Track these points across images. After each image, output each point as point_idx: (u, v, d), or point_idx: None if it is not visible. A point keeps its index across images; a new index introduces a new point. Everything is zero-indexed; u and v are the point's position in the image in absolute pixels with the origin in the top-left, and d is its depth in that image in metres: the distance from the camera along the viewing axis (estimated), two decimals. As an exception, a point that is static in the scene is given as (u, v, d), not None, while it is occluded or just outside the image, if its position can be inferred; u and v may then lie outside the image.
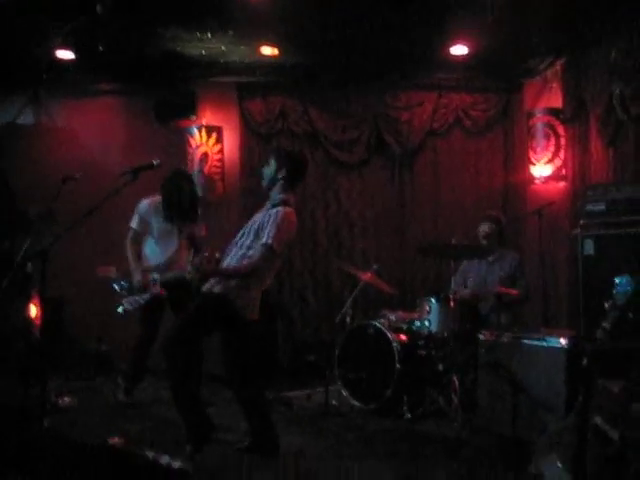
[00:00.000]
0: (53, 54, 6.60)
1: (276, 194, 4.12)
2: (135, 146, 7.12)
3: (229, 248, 4.19)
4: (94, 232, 6.02)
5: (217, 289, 4.03)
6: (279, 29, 6.17)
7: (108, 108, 7.47)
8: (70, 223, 3.93)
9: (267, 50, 6.72)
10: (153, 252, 5.48)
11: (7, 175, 7.05)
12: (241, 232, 4.15)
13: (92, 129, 7.41)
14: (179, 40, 6.39)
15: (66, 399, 5.38)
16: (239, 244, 4.09)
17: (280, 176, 4.09)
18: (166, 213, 5.44)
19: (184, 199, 5.43)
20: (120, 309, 5.38)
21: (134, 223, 5.52)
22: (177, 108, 7.24)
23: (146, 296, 5.32)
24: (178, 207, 5.41)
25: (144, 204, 5.50)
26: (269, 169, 4.15)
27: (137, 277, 5.36)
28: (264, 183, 4.19)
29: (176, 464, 3.02)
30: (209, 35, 6.26)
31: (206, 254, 3.96)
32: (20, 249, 4.83)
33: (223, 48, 6.65)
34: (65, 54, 6.64)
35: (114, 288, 5.46)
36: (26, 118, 7.47)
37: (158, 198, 5.49)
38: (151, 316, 5.50)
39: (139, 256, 5.53)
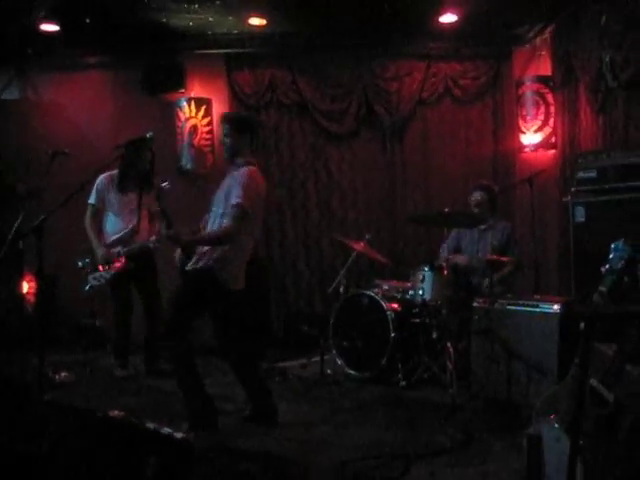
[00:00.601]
0: (38, 27, 6.50)
1: (240, 159, 4.14)
2: (123, 120, 7.08)
3: (205, 220, 4.23)
4: (85, 206, 6.00)
5: (200, 264, 4.05)
6: (266, -1, 6.13)
7: (95, 82, 7.39)
8: (59, 198, 3.93)
9: (255, 20, 6.67)
10: (113, 226, 5.48)
11: (-7, 151, 6.99)
12: (213, 202, 4.18)
13: (79, 103, 7.34)
14: (166, 11, 6.31)
15: (63, 374, 5.42)
16: (213, 213, 4.13)
17: (244, 142, 4.13)
18: (120, 184, 5.46)
19: (141, 167, 5.45)
20: (87, 287, 5.44)
21: (92, 199, 5.53)
22: (165, 81, 7.16)
23: (111, 271, 5.35)
24: (135, 176, 5.44)
25: (101, 179, 5.50)
26: (230, 139, 4.15)
27: (100, 252, 5.38)
28: (228, 154, 4.19)
29: (178, 435, 3.05)
30: (196, 6, 6.19)
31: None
32: (9, 226, 4.82)
33: (211, 19, 6.58)
34: (50, 27, 6.55)
35: (77, 265, 5.49)
36: (12, 93, 7.40)
37: (115, 172, 5.51)
38: (121, 290, 5.56)
39: (99, 232, 5.54)
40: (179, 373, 4.13)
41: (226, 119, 4.29)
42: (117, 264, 5.31)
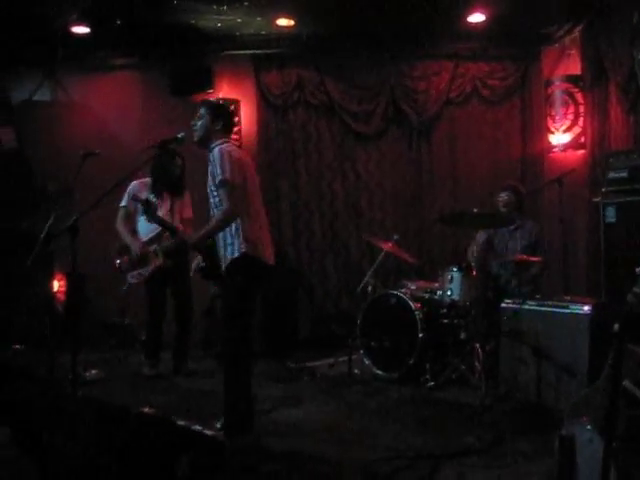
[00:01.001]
0: (69, 29, 6.60)
1: (213, 143, 4.12)
2: (152, 121, 7.15)
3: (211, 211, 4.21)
4: (113, 206, 6.07)
5: (233, 254, 4.01)
6: (294, 0, 6.14)
7: (125, 83, 7.48)
8: (89, 198, 3.96)
9: (283, 21, 6.69)
10: (145, 228, 5.52)
11: (25, 152, 7.08)
12: (209, 193, 4.11)
13: (109, 104, 7.43)
14: (195, 13, 6.37)
15: (93, 371, 5.50)
16: (212, 204, 4.08)
17: (217, 127, 4.13)
18: (153, 188, 5.55)
19: (172, 173, 5.54)
20: (125, 286, 5.63)
21: (124, 201, 5.63)
22: (194, 82, 7.22)
23: (149, 268, 5.47)
24: (167, 181, 5.53)
25: (134, 183, 5.61)
26: (202, 121, 4.14)
27: (135, 248, 5.49)
28: (197, 134, 4.16)
29: (209, 433, 3.08)
30: (225, 7, 6.24)
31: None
32: (40, 226, 4.89)
33: (239, 20, 6.62)
34: (80, 29, 6.65)
35: (116, 265, 5.61)
36: (43, 94, 7.50)
37: (148, 179, 5.62)
38: (157, 287, 5.65)
39: (132, 233, 5.62)
40: (232, 372, 4.03)
41: (203, 103, 4.37)
42: (156, 262, 5.38)
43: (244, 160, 4.15)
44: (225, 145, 4.08)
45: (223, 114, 4.24)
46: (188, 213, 5.69)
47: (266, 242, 4.15)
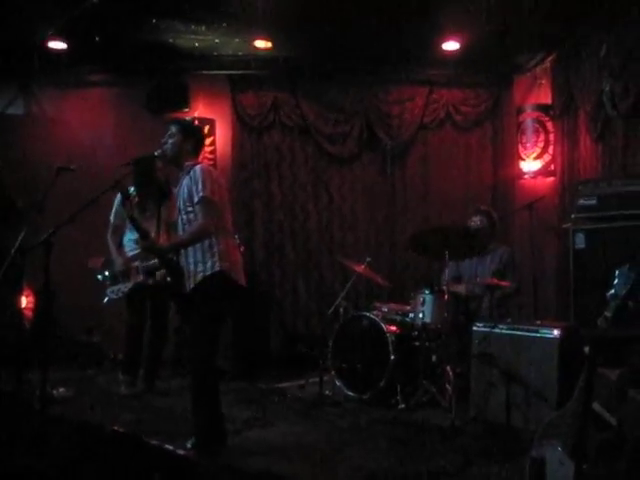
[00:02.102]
0: (45, 44, 6.57)
1: (186, 163, 4.14)
2: (127, 137, 7.12)
3: (177, 229, 4.23)
4: (82, 223, 6.02)
5: (205, 272, 4.00)
6: (272, 22, 6.18)
7: (100, 99, 7.46)
8: (61, 213, 3.95)
9: (260, 43, 6.75)
10: (130, 242, 5.49)
11: (-4, 166, 7.01)
12: (178, 212, 4.15)
13: (83, 120, 7.38)
14: (173, 32, 6.39)
15: (61, 390, 5.40)
16: (187, 219, 4.07)
17: (187, 147, 4.14)
18: (139, 202, 5.48)
19: (156, 181, 5.46)
20: (105, 299, 5.58)
21: (112, 216, 5.64)
22: (169, 100, 7.23)
23: (129, 284, 5.45)
24: (152, 191, 5.43)
25: (119, 196, 5.54)
26: (173, 139, 4.15)
27: (118, 266, 5.47)
28: (168, 153, 4.17)
29: (181, 452, 3.06)
30: (203, 28, 6.28)
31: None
32: (9, 241, 4.83)
33: (217, 41, 6.66)
34: (58, 44, 6.62)
35: (97, 278, 5.61)
36: (16, 108, 7.44)
37: (132, 190, 5.54)
38: (137, 304, 5.61)
39: (119, 247, 5.60)
40: (200, 390, 4.03)
41: (174, 121, 4.35)
42: (137, 278, 5.36)
43: (219, 177, 4.19)
44: (203, 164, 4.13)
45: (194, 135, 4.24)
46: (174, 216, 5.57)
47: (239, 263, 4.18)
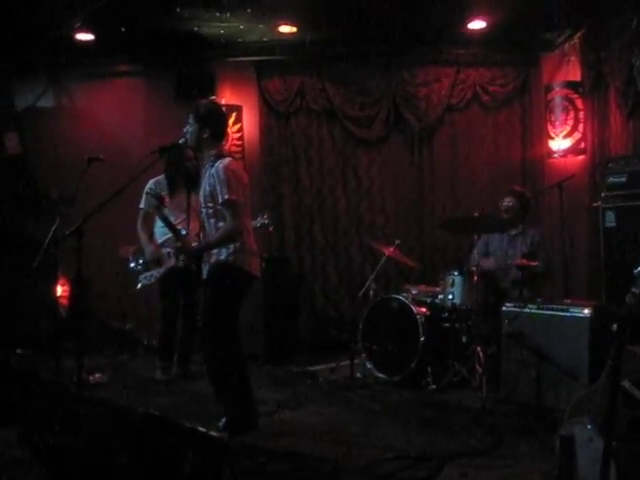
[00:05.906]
0: (72, 36, 6.66)
1: (207, 152, 4.16)
2: (155, 126, 7.18)
3: (202, 221, 4.27)
4: (114, 211, 6.11)
5: (220, 257, 4.08)
6: (297, 6, 6.19)
7: (128, 89, 7.55)
8: (92, 203, 4.01)
9: (285, 28, 6.75)
10: (161, 231, 5.54)
11: (29, 158, 7.13)
12: (201, 204, 4.18)
13: (112, 110, 7.49)
14: (198, 20, 6.43)
15: (96, 375, 5.51)
16: (204, 214, 4.15)
17: (205, 136, 4.11)
18: (169, 187, 5.55)
19: (186, 168, 5.49)
20: (138, 285, 5.65)
21: (142, 204, 5.67)
22: (196, 88, 7.24)
23: (161, 269, 5.51)
24: (182, 177, 5.49)
25: (150, 183, 5.62)
26: (191, 128, 4.15)
27: (148, 252, 5.53)
28: (189, 142, 4.19)
29: (213, 433, 3.11)
30: (228, 15, 6.29)
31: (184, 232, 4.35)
32: (43, 231, 4.93)
33: (241, 27, 6.68)
34: (84, 36, 6.71)
35: (130, 267, 5.68)
36: (47, 101, 7.57)
37: (162, 177, 5.63)
38: (170, 289, 5.66)
39: (150, 235, 5.66)
40: (217, 377, 4.13)
41: (192, 109, 4.24)
42: (168, 263, 5.43)
43: (241, 174, 4.18)
44: (227, 162, 4.08)
45: (211, 122, 4.14)
46: None
47: (255, 253, 4.24)
